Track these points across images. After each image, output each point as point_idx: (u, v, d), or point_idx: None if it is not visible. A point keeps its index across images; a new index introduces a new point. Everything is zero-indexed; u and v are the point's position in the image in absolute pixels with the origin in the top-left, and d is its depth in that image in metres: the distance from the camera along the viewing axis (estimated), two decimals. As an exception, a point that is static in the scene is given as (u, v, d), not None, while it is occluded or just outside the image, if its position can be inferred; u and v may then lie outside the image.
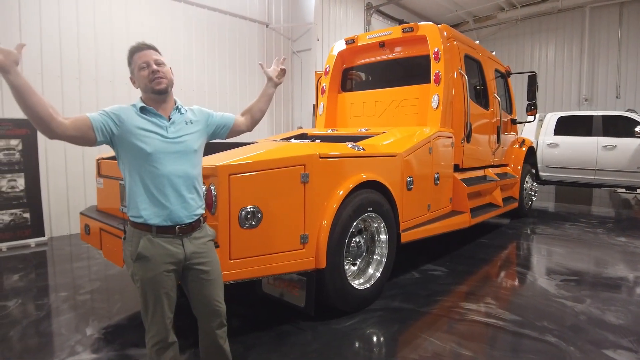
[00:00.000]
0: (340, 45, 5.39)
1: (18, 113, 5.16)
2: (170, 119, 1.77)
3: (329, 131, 4.89)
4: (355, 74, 5.54)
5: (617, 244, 5.21)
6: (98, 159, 3.43)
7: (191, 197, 1.75)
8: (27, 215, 5.15)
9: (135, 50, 1.75)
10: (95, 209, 3.50)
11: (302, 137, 4.76)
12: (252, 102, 2.14)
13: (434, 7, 12.74)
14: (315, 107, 6.32)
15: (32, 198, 5.18)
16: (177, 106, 1.82)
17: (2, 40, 5.14)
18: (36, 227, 5.21)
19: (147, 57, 1.73)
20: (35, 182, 5.22)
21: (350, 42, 5.23)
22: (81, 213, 3.41)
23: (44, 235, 5.26)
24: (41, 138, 5.29)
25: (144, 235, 1.68)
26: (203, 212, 1.83)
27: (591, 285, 3.74)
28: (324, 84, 5.49)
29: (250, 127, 2.13)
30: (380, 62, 5.19)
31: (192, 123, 1.83)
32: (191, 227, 1.76)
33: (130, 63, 1.76)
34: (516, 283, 3.88)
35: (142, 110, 1.73)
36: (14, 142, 5.08)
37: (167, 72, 1.77)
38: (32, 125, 5.11)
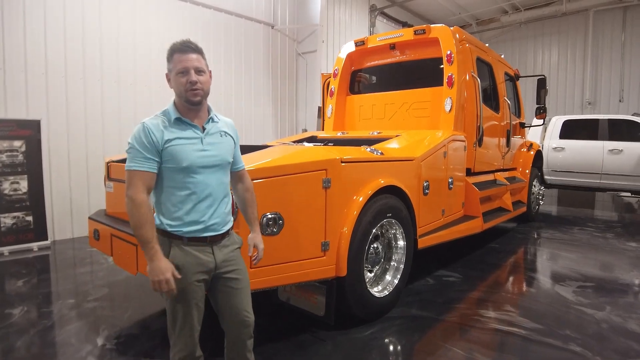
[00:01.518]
0: (349, 47, 5.31)
1: (22, 113, 5.12)
2: (204, 129, 1.68)
3: (339, 134, 4.81)
4: (364, 77, 5.47)
5: (629, 249, 5.16)
6: (108, 162, 3.30)
7: (224, 211, 1.70)
8: (29, 218, 5.04)
9: (178, 50, 1.62)
10: (104, 214, 3.40)
11: (311, 140, 4.67)
12: (253, 208, 1.91)
13: (438, 9, 12.71)
14: (320, 110, 6.24)
15: (35, 201, 5.07)
16: (211, 116, 1.73)
17: (6, 40, 5.04)
18: (39, 230, 5.10)
19: (188, 64, 1.61)
20: (38, 185, 5.11)
21: (360, 43, 5.15)
22: (90, 218, 3.31)
23: (47, 239, 5.15)
24: (45, 139, 5.18)
25: (175, 244, 1.61)
26: (232, 224, 1.78)
27: (608, 292, 3.67)
28: (332, 86, 5.41)
29: (234, 189, 1.91)
30: (390, 64, 5.12)
31: (226, 135, 1.75)
32: (221, 236, 1.69)
33: (169, 61, 1.64)
34: (532, 290, 3.81)
35: (177, 121, 1.63)
36: (17, 143, 4.96)
37: (206, 82, 1.67)
38: (36, 127, 5.02)
